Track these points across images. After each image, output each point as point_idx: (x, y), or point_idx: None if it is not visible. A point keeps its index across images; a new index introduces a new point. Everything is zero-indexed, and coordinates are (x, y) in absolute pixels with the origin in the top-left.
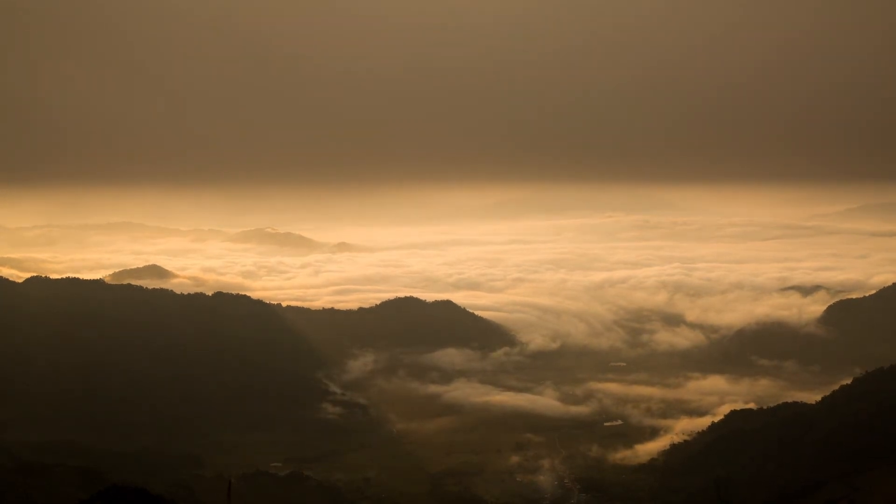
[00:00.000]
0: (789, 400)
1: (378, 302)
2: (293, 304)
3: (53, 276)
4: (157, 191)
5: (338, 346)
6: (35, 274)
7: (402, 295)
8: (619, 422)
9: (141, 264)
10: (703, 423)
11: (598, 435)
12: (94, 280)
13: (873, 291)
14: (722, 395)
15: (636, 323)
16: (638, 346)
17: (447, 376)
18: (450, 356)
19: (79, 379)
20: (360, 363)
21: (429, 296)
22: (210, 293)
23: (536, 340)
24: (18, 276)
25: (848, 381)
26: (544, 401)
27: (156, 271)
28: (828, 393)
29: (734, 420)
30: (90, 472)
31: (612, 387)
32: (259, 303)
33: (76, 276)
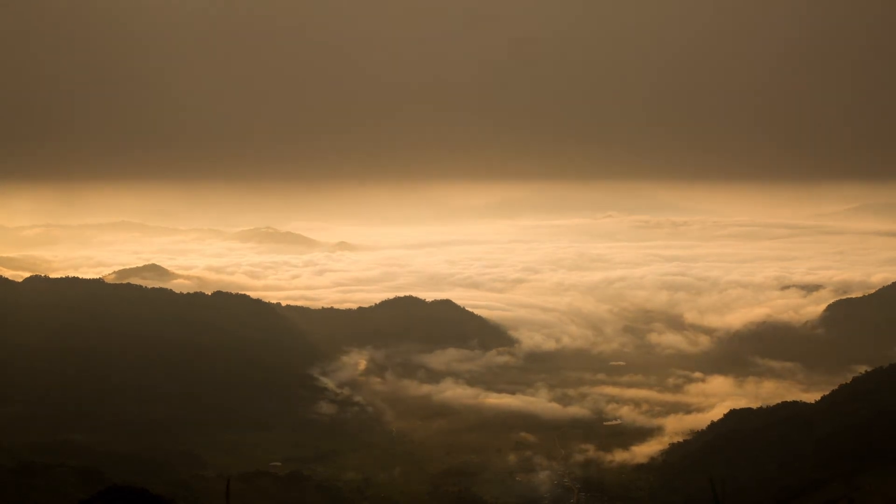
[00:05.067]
0: (789, 400)
1: (378, 301)
2: (298, 303)
3: (53, 275)
4: (157, 190)
5: (337, 346)
6: (35, 273)
7: (402, 294)
8: (619, 421)
9: (141, 264)
10: (703, 422)
11: (597, 435)
12: (94, 279)
13: (873, 291)
14: (721, 395)
15: (636, 323)
16: (638, 345)
17: (447, 376)
18: (449, 355)
19: (79, 379)
20: (360, 363)
21: (429, 295)
22: (210, 293)
23: (536, 340)
24: (18, 275)
25: (848, 381)
26: (543, 401)
27: (156, 271)
28: (828, 393)
29: (734, 420)
30: (90, 472)
31: (612, 387)
32: (258, 302)
33: (76, 275)
